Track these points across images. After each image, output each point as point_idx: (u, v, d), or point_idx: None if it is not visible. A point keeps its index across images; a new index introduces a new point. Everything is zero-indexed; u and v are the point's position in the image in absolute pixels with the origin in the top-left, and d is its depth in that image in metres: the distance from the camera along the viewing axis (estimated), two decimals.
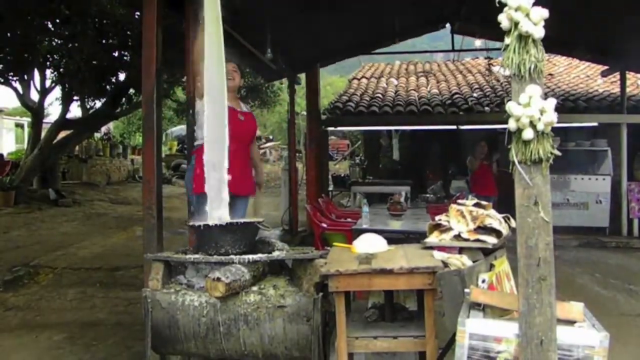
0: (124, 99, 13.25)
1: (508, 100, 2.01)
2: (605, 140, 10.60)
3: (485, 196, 7.91)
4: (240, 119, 4.18)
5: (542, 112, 1.93)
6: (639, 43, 8.50)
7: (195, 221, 3.27)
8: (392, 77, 15.24)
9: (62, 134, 13.76)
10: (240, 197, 4.17)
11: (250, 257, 2.94)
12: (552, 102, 1.94)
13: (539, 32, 1.95)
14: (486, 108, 11.03)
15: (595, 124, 10.89)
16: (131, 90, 12.87)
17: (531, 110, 1.93)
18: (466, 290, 2.32)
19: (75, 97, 13.64)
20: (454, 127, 11.42)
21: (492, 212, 2.94)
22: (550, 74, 14.07)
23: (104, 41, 10.10)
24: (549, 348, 1.92)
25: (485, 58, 13.73)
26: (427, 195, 9.71)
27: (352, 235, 5.29)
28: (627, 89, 10.94)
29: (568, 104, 10.94)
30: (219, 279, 2.72)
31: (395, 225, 5.87)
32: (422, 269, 2.59)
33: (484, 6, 2.76)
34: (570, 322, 2.01)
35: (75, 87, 12.15)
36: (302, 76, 10.80)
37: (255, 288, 2.90)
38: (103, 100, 13.24)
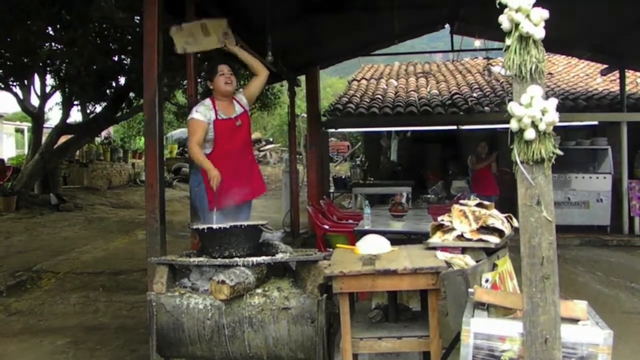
0: (124, 103, 13.26)
1: (509, 101, 2.02)
2: (606, 139, 10.61)
3: (487, 196, 7.94)
4: (237, 125, 4.16)
5: (543, 112, 1.94)
6: (638, 41, 8.52)
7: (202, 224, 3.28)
8: (391, 78, 15.26)
9: (63, 139, 13.77)
10: (248, 202, 4.21)
11: (254, 259, 2.95)
12: (553, 102, 1.96)
13: (539, 33, 1.96)
14: (486, 108, 11.04)
15: (595, 122, 10.90)
16: (131, 94, 12.88)
17: (533, 110, 1.94)
18: (470, 290, 2.32)
19: (75, 102, 13.67)
20: (454, 127, 11.43)
21: (495, 211, 2.95)
22: (550, 73, 14.07)
23: (104, 45, 10.11)
24: (553, 346, 1.93)
25: (485, 58, 13.75)
26: (428, 195, 9.71)
27: (354, 236, 5.31)
28: (627, 87, 10.95)
29: (568, 103, 10.95)
30: (223, 282, 2.73)
31: (397, 226, 5.87)
32: (426, 270, 2.60)
33: (483, 7, 2.77)
34: (574, 321, 2.01)
35: (76, 91, 12.16)
36: (302, 78, 10.81)
37: (259, 290, 2.92)
38: (103, 104, 13.26)
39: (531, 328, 1.96)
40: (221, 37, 4.29)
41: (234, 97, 4.30)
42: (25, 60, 10.49)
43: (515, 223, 2.85)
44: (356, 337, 2.68)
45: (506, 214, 2.98)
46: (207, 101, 4.16)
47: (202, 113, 4.05)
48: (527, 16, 1.95)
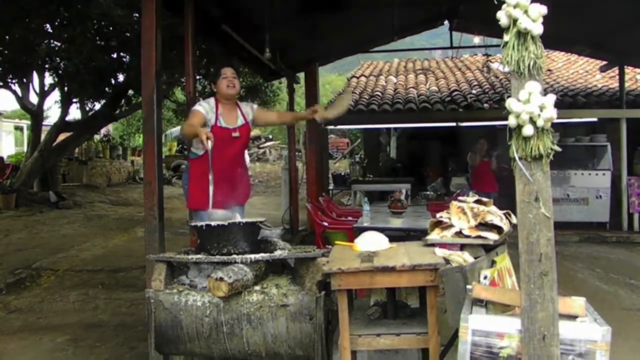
0: (123, 101, 13.26)
1: (507, 97, 2.02)
2: (605, 135, 10.61)
3: (486, 193, 7.93)
4: (233, 136, 4.10)
5: (541, 108, 1.94)
6: (637, 37, 8.51)
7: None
8: (391, 74, 15.24)
9: (62, 137, 13.78)
10: (240, 205, 4.20)
11: (253, 256, 2.95)
12: (551, 98, 1.95)
13: (537, 29, 1.95)
14: (485, 105, 11.04)
15: (594, 119, 10.91)
16: (130, 92, 12.88)
17: (531, 106, 1.94)
18: (468, 286, 2.32)
19: (74, 99, 13.66)
20: (454, 124, 11.43)
21: (493, 208, 2.95)
22: (549, 70, 14.06)
23: (103, 43, 10.11)
24: (551, 343, 1.93)
25: (484, 55, 13.74)
26: (428, 192, 9.69)
27: (353, 233, 5.30)
28: (626, 84, 10.96)
29: (567, 100, 10.95)
30: (221, 279, 2.73)
31: (396, 223, 5.86)
32: (424, 266, 2.59)
33: (482, 3, 2.77)
34: (572, 317, 2.01)
35: (75, 89, 12.16)
36: (301, 75, 10.81)
37: (257, 287, 2.91)
38: (102, 102, 13.26)
39: (529, 325, 1.96)
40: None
41: (241, 107, 4.25)
42: (24, 57, 10.47)
43: (514, 219, 2.85)
44: (355, 334, 2.68)
45: (505, 211, 2.98)
46: (212, 101, 4.10)
47: (205, 109, 4.00)
48: (525, 12, 1.95)
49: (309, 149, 10.97)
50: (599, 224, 10.18)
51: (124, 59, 11.06)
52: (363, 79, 15.07)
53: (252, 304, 2.84)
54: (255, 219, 3.19)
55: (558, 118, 1.97)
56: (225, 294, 2.74)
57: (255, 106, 4.43)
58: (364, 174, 13.64)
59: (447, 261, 2.63)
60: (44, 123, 14.99)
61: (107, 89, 12.30)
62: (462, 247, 2.81)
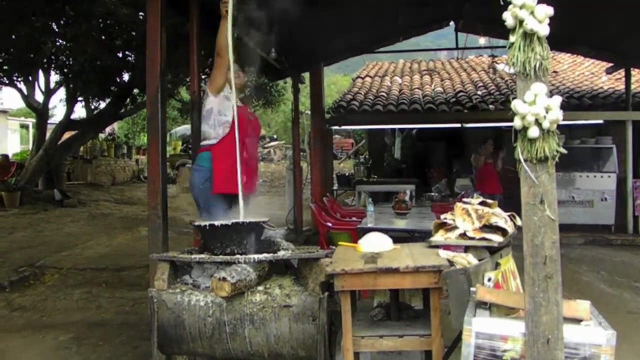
0: (128, 99, 13.29)
1: (513, 98, 2.00)
2: (610, 138, 10.58)
3: (490, 194, 7.91)
4: (250, 118, 4.19)
5: (547, 110, 1.93)
6: None
7: (205, 221, 3.26)
8: (396, 75, 15.21)
9: (67, 135, 13.82)
10: (250, 195, 4.20)
11: (256, 256, 2.94)
12: (557, 99, 1.94)
13: (544, 30, 1.94)
14: (490, 106, 11.00)
15: (600, 121, 10.85)
16: (135, 91, 12.90)
17: (537, 108, 1.93)
18: (472, 289, 2.31)
19: (79, 98, 13.70)
20: (458, 125, 11.40)
21: (498, 210, 2.93)
22: (555, 72, 14.01)
23: (108, 42, 10.13)
24: (555, 346, 1.92)
25: (490, 56, 13.70)
26: (432, 193, 9.69)
27: (357, 234, 5.29)
28: (632, 86, 10.90)
29: (573, 102, 10.90)
30: (224, 279, 2.72)
31: (400, 224, 5.85)
32: (428, 268, 2.58)
33: (488, 4, 2.75)
34: (577, 321, 2.00)
35: (80, 87, 12.20)
36: (306, 75, 10.79)
37: (261, 288, 2.90)
38: (107, 100, 13.29)
39: (533, 328, 1.95)
40: None
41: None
42: (30, 56, 10.51)
43: (519, 222, 2.84)
44: (357, 335, 2.67)
45: (509, 213, 2.96)
46: None
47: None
48: (532, 13, 1.94)
49: (313, 149, 10.96)
50: (604, 227, 10.14)
51: (129, 58, 11.08)
52: (368, 79, 15.06)
53: (255, 305, 2.83)
54: (259, 219, 3.18)
55: (563, 120, 1.96)
56: (228, 294, 2.73)
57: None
58: (369, 174, 13.62)
59: (451, 263, 2.62)
60: (49, 121, 15.04)
61: (112, 87, 12.34)
62: (466, 249, 2.80)
